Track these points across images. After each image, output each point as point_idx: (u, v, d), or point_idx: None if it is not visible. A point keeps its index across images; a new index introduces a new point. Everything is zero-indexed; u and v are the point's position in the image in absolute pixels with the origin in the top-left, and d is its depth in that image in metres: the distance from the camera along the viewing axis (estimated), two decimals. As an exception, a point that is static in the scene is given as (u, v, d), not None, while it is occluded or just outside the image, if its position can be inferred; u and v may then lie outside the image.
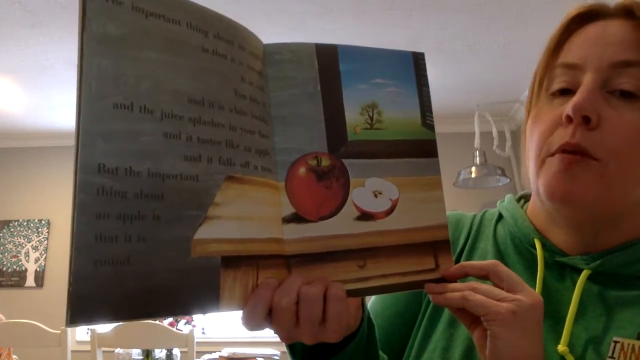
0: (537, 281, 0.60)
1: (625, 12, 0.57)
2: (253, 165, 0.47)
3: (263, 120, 0.49)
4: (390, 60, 0.56)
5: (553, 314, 0.57)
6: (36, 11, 2.66)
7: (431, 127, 0.56)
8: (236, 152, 0.46)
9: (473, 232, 0.69)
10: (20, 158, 4.52)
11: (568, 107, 0.54)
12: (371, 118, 0.53)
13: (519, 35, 2.92)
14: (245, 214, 0.45)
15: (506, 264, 0.63)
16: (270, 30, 2.86)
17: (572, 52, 0.57)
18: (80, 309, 0.36)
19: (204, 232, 0.42)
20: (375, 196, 0.52)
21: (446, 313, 0.63)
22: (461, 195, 3.79)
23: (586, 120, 0.53)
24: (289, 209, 0.49)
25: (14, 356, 2.43)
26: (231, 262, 0.44)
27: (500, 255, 0.65)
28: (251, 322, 0.45)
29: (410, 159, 0.54)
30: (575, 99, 0.53)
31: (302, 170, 0.50)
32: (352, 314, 0.52)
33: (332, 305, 0.47)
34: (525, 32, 2.88)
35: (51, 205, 4.37)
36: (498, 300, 0.48)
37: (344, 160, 0.52)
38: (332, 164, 0.51)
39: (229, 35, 0.47)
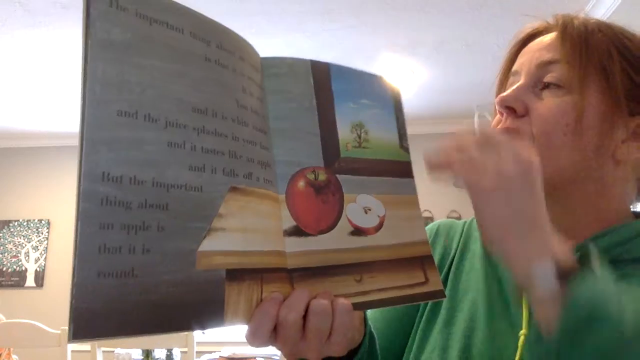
0: None
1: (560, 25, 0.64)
2: (256, 176, 0.47)
3: (263, 131, 0.49)
4: (373, 83, 0.59)
5: None
6: (36, 11, 2.66)
7: (407, 150, 0.59)
8: (239, 163, 0.45)
9: (463, 236, 0.72)
10: (20, 158, 4.52)
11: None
12: (359, 137, 0.56)
13: (519, 35, 2.92)
14: (249, 226, 0.45)
15: (494, 264, 0.66)
16: (271, 30, 2.86)
17: (517, 62, 0.66)
18: (84, 323, 0.35)
19: (208, 245, 0.41)
20: (366, 212, 0.54)
21: (442, 314, 0.65)
22: (461, 195, 3.80)
23: (513, 110, 0.60)
24: (289, 222, 0.49)
25: (13, 356, 2.43)
26: (235, 275, 0.43)
27: (487, 254, 0.67)
28: (257, 338, 0.45)
29: (392, 178, 0.57)
30: (501, 94, 0.62)
31: (301, 184, 0.51)
32: (357, 327, 0.54)
33: (339, 317, 0.47)
34: (526, 32, 2.88)
35: (51, 205, 4.38)
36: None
37: (337, 176, 0.53)
38: (328, 179, 0.52)
39: (230, 46, 0.48)
